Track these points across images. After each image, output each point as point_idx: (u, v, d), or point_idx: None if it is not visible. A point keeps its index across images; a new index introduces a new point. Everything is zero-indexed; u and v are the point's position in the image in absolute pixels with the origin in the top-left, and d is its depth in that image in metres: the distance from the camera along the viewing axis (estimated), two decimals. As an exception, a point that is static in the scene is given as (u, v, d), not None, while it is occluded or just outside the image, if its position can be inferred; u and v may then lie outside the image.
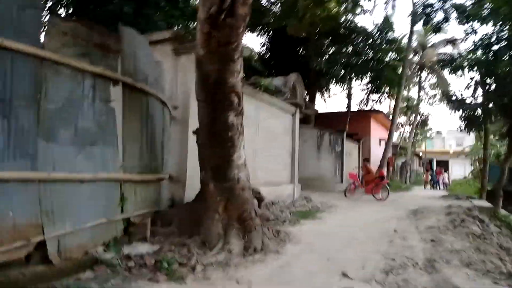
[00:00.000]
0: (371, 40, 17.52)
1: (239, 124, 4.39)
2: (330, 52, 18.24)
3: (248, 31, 19.82)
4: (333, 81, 18.12)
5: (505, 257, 4.90)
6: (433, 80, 32.61)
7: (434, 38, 30.59)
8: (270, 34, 19.48)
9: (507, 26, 10.61)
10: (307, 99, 14.84)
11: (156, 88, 5.30)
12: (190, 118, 6.22)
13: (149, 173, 5.08)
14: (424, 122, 34.68)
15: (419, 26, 18.53)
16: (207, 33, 3.65)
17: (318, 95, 22.59)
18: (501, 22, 10.90)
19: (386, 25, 17.75)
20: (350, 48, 17.51)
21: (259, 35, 20.04)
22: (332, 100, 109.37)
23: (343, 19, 17.70)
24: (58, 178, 3.57)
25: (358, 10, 17.56)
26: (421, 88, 31.92)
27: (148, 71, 5.11)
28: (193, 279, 3.59)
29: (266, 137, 9.29)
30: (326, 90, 21.80)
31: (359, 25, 18.21)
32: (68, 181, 3.69)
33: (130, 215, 4.55)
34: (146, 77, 5.03)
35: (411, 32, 19.10)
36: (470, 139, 41.65)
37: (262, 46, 20.59)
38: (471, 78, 11.91)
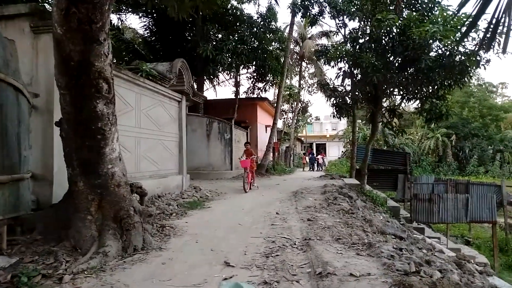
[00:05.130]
0: (255, 29, 17.98)
1: (111, 114, 3.97)
2: (217, 39, 18.21)
3: (129, 11, 18.42)
4: (221, 69, 18.19)
5: (367, 228, 5.63)
6: (312, 69, 35.82)
7: (312, 30, 33.55)
8: (154, 16, 18.43)
9: (369, 23, 12.02)
10: (195, 87, 14.52)
11: (6, 72, 4.44)
12: (55, 107, 5.47)
13: (1, 173, 4.28)
14: (304, 109, 37.68)
15: (299, 17, 19.67)
16: (65, 9, 3.18)
17: (207, 83, 22.51)
18: (364, 18, 12.32)
19: (270, 14, 18.40)
20: (236, 36, 17.71)
21: (142, 17, 18.83)
22: (222, 88, 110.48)
23: (229, 5, 17.79)
24: None
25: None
26: (301, 77, 34.75)
27: (-7, 51, 4.24)
28: (59, 291, 3.17)
29: (150, 126, 8.79)
30: (214, 78, 21.82)
31: (245, 12, 18.57)
32: None
33: (-24, 225, 3.80)
34: (-9, 58, 4.18)
35: (292, 23, 20.35)
36: (343, 124, 47.42)
37: (146, 29, 19.43)
38: (339, 69, 13.16)
